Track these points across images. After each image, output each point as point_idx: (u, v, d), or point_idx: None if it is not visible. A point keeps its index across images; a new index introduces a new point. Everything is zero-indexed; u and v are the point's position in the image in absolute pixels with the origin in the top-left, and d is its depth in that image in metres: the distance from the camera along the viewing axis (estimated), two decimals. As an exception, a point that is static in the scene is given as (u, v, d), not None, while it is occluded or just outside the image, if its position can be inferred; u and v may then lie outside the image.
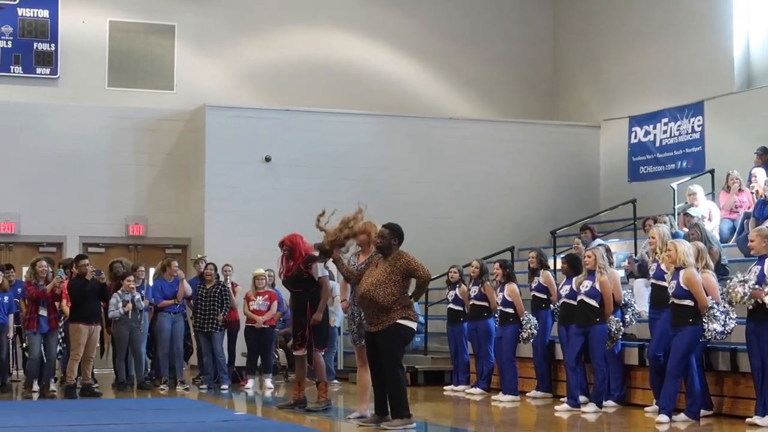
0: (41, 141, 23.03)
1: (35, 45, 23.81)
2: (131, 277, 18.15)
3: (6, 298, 17.73)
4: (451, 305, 18.10)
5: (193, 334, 19.03)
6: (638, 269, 15.90)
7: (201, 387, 18.32)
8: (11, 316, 17.84)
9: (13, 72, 23.66)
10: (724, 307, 12.77)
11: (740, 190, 18.86)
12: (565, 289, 15.11)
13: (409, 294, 12.23)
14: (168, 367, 18.66)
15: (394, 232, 12.38)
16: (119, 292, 18.09)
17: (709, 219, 18.47)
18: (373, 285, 12.10)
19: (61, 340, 18.01)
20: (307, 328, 14.20)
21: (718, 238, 17.05)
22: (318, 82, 25.36)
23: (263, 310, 18.59)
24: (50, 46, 23.89)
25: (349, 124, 24.18)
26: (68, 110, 23.34)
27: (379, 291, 12.04)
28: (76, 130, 23.20)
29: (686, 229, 16.56)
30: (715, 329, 12.64)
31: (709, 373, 13.65)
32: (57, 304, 17.35)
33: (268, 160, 23.35)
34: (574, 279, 14.92)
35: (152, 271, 20.94)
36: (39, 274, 17.18)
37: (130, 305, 18.00)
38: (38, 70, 23.81)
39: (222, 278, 18.88)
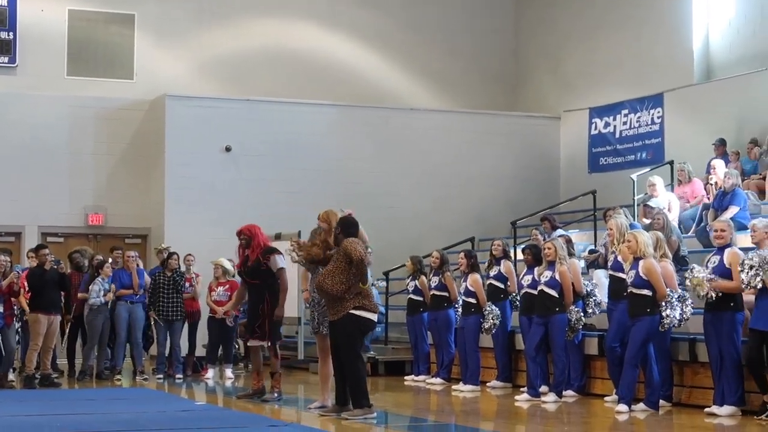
0: (0, 130, 22.84)
1: (-6, 33, 23.66)
2: (109, 265, 18.12)
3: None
4: (411, 295, 18.12)
5: (153, 323, 18.96)
6: (602, 260, 15.97)
7: (158, 377, 18.26)
8: None
9: (-29, 60, 23.51)
10: (682, 295, 12.85)
11: (690, 180, 19.04)
12: (526, 279, 15.15)
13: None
14: (123, 357, 18.60)
15: (339, 223, 12.54)
16: (100, 279, 18.06)
17: (669, 210, 18.56)
18: (324, 275, 12.22)
19: (19, 330, 17.89)
20: (266, 320, 14.14)
21: (678, 229, 17.13)
22: (279, 72, 25.34)
23: (224, 301, 18.55)
24: (9, 35, 23.71)
25: (309, 114, 24.16)
26: (27, 99, 23.18)
27: (328, 280, 12.12)
28: (35, 119, 23.05)
29: (645, 221, 16.67)
30: (673, 317, 12.71)
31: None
32: (13, 299, 17.15)
33: (228, 149, 23.31)
34: (535, 269, 14.97)
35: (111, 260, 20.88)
36: (-4, 269, 17.00)
37: (110, 295, 17.95)
38: (-4, 59, 23.66)
39: (183, 268, 18.83)
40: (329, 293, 12.14)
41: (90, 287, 18.08)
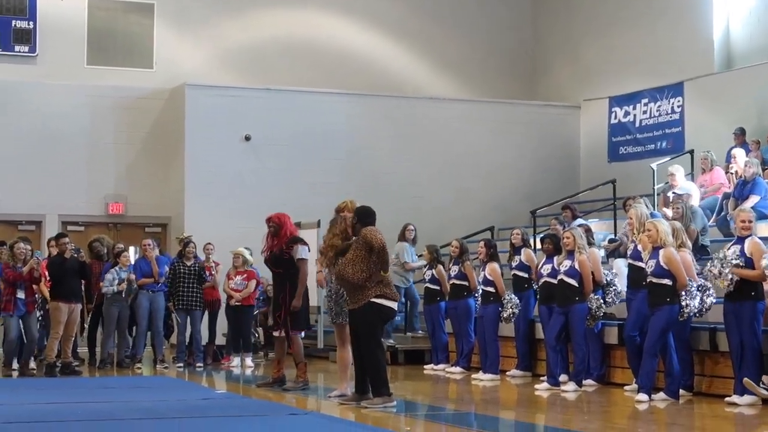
0: (20, 119, 22.93)
1: (13, 23, 23.68)
2: (127, 254, 18.16)
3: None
4: (428, 284, 18.11)
5: (174, 312, 19.03)
6: (623, 249, 15.95)
7: (178, 366, 18.31)
8: None
9: (-8, 49, 23.58)
10: (702, 284, 12.82)
11: (712, 168, 18.98)
12: (546, 269, 15.13)
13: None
14: (144, 346, 18.64)
15: (355, 212, 12.54)
16: (116, 269, 18.08)
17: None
18: (344, 264, 12.19)
19: (40, 319, 17.97)
20: (283, 310, 14.15)
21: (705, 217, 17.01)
22: (299, 62, 25.33)
23: (241, 289, 18.59)
24: (28, 24, 23.75)
25: (329, 103, 24.15)
26: (47, 88, 23.24)
27: (349, 269, 12.11)
28: (55, 109, 23.11)
29: (666, 210, 16.63)
30: (693, 306, 12.69)
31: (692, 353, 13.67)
32: (35, 287, 17.26)
33: (248, 139, 23.33)
34: (555, 258, 14.95)
35: (132, 249, 21.01)
36: (17, 256, 17.03)
37: (124, 284, 17.95)
38: (16, 48, 23.69)
39: (203, 257, 18.88)
40: (350, 282, 12.13)
41: (104, 276, 18.10)
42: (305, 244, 14.38)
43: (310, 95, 24.03)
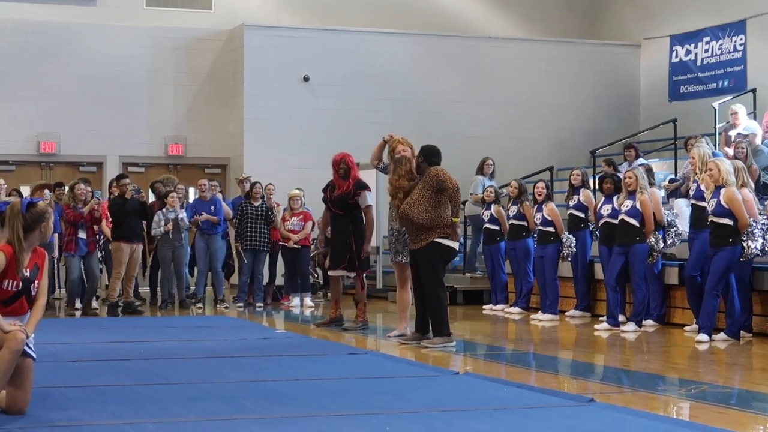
0: (80, 61, 23.09)
1: (74, -35, 23.76)
2: (174, 194, 18.17)
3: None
4: (487, 225, 18.09)
5: (234, 252, 19.13)
6: (684, 189, 15.83)
7: (238, 305, 18.43)
8: (56, 236, 17.70)
9: (52, -8, 23.67)
10: (764, 224, 12.70)
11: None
12: (606, 209, 15.04)
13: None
14: (204, 286, 18.76)
15: (421, 151, 12.46)
16: (163, 210, 18.11)
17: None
18: (409, 204, 12.12)
19: (101, 260, 18.16)
20: (352, 252, 14.14)
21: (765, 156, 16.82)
22: (357, 2, 25.24)
23: (297, 230, 18.64)
24: (88, -34, 23.84)
25: (387, 43, 24.09)
26: (107, 31, 23.35)
27: (414, 209, 12.06)
28: (114, 51, 23.24)
29: (727, 149, 16.47)
30: (755, 247, 12.59)
31: (752, 293, 13.59)
32: (96, 227, 17.42)
33: (306, 80, 23.35)
34: (614, 198, 14.86)
35: (192, 190, 21.13)
36: (78, 197, 17.17)
37: (171, 225, 18.00)
38: (77, -10, 23.80)
39: (265, 197, 18.91)
40: (415, 222, 12.09)
41: (153, 219, 18.15)
42: (370, 189, 14.40)
43: (369, 35, 23.99)
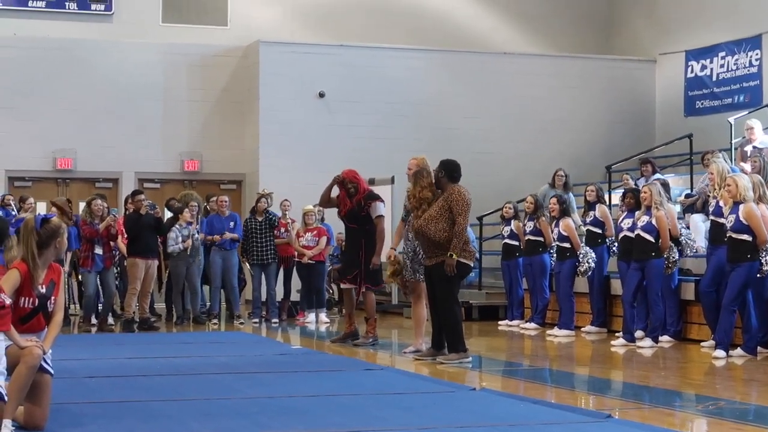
0: (96, 77, 23.16)
1: (89, -18, 23.86)
2: (187, 210, 18.16)
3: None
4: (506, 240, 18.07)
5: (247, 267, 19.14)
6: (699, 204, 15.79)
7: (254, 321, 18.43)
8: (68, 253, 17.38)
9: (68, 8, 23.76)
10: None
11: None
12: (626, 223, 14.93)
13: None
14: (219, 302, 18.76)
15: (441, 165, 12.39)
16: (177, 226, 18.13)
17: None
18: (426, 220, 12.11)
19: (117, 275, 18.18)
20: (361, 266, 14.11)
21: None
22: (372, 18, 25.27)
23: (312, 246, 18.62)
24: (104, -18, 23.93)
25: (402, 59, 24.12)
26: (123, 46, 23.44)
27: (431, 226, 12.05)
28: (130, 67, 23.31)
29: (743, 165, 16.42)
30: (773, 264, 12.55)
31: None
32: (112, 243, 17.40)
33: (321, 95, 23.39)
34: (635, 213, 14.80)
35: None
36: (95, 213, 17.13)
37: (189, 241, 17.99)
38: (93, 7, 23.88)
39: (280, 213, 18.90)
40: (431, 239, 12.09)
41: (168, 234, 18.14)
42: (382, 201, 14.36)
43: (384, 51, 24.02)
